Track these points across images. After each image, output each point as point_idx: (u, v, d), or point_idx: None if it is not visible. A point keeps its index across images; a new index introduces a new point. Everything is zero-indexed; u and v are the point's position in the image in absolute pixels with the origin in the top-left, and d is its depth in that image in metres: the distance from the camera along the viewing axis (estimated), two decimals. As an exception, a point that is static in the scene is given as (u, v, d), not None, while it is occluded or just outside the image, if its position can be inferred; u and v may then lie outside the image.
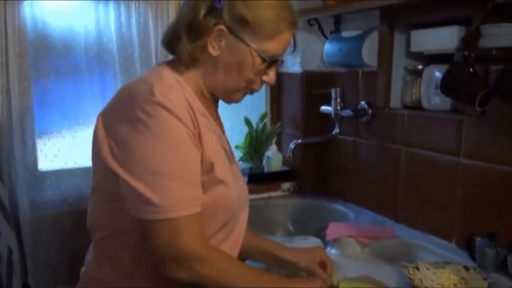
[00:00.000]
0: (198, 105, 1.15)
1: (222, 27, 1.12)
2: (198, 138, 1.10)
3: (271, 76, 1.21)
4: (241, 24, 1.12)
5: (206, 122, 1.15)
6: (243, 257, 1.47)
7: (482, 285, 1.41)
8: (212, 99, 1.24)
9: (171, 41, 1.19)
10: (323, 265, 1.43)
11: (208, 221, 1.13)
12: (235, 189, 1.18)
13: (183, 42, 1.14)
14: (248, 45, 1.14)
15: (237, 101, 1.24)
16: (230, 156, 1.26)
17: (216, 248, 1.16)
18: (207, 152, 1.12)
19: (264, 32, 1.13)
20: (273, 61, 1.18)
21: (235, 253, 1.28)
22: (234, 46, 1.14)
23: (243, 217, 1.31)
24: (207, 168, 1.12)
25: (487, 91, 1.46)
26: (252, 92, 1.23)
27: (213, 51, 1.14)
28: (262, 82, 1.22)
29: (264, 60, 1.16)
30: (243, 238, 1.33)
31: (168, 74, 1.15)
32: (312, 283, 1.30)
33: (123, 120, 1.06)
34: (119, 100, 1.13)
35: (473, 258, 1.62)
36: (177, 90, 1.10)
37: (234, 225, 1.24)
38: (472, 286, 1.43)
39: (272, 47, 1.15)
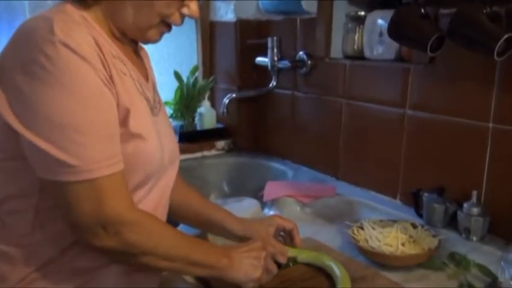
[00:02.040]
0: (110, 46, 0.99)
1: None
2: (111, 81, 0.94)
3: (192, 8, 1.05)
4: None
5: (121, 65, 1.00)
6: (183, 223, 1.36)
7: (432, 242, 1.35)
8: (127, 40, 1.07)
9: None
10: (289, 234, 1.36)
11: None
12: (156, 143, 1.04)
13: None
14: None
15: (154, 41, 1.08)
16: (154, 107, 1.11)
17: (145, 211, 1.03)
18: (121, 97, 0.96)
19: None
20: None
21: (158, 216, 1.12)
22: None
23: (170, 174, 1.16)
24: (123, 117, 0.97)
25: (440, 34, 1.36)
26: (170, 27, 1.07)
27: None
28: (183, 16, 1.06)
29: None
30: (188, 202, 1.26)
31: (71, 9, 0.98)
32: (252, 252, 1.15)
33: (19, 66, 0.89)
34: (14, 42, 0.94)
35: (419, 215, 1.56)
36: (83, 27, 0.94)
37: (154, 183, 1.09)
38: (421, 244, 1.36)
39: None
